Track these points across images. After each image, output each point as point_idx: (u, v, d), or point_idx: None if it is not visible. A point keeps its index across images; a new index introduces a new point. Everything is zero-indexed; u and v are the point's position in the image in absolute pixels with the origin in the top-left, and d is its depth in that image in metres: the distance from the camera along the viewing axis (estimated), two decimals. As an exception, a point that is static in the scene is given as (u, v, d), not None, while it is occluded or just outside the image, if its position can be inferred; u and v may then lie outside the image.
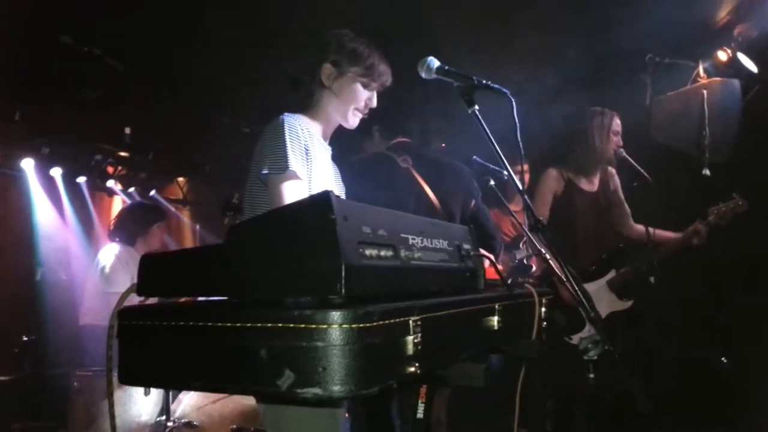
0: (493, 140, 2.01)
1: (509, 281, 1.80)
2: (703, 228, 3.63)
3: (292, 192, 1.99)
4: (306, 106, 2.33)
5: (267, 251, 1.12)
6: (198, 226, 7.42)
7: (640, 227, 3.91)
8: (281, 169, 2.00)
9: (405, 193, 2.92)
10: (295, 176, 2.01)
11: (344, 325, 0.98)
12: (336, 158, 2.44)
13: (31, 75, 4.72)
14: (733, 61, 4.39)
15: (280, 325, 1.01)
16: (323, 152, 2.29)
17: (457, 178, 3.13)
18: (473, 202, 3.17)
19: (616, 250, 3.81)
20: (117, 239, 4.37)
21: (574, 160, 3.88)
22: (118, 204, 6.42)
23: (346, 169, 2.52)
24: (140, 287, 1.30)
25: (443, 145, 6.38)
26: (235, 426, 3.42)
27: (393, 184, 2.94)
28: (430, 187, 2.98)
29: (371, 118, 3.26)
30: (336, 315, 0.98)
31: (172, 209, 6.90)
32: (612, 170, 3.97)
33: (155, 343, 1.17)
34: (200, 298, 1.30)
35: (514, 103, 1.98)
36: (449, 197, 3.01)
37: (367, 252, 1.15)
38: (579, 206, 3.81)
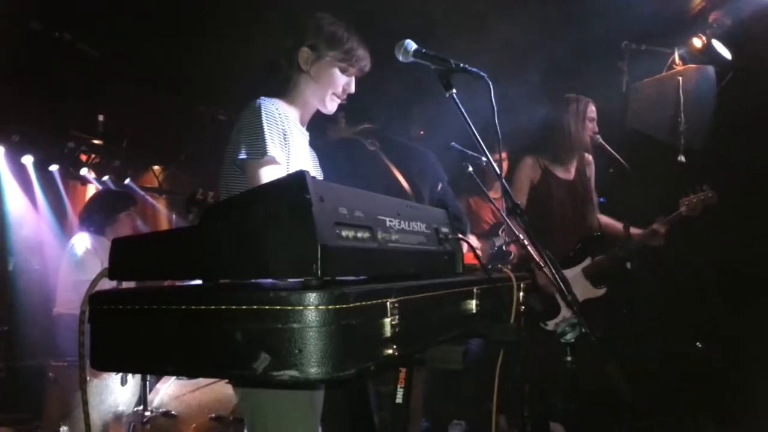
0: (471, 125, 2.00)
1: (488, 267, 1.80)
2: (661, 229, 3.69)
3: (270, 177, 1.96)
4: (283, 90, 2.30)
5: (241, 233, 1.10)
6: (174, 215, 7.34)
7: (605, 219, 3.96)
8: (259, 154, 1.98)
9: (374, 177, 2.92)
10: (273, 161, 1.99)
11: (320, 307, 0.97)
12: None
13: (1, 61, 4.61)
14: (708, 48, 4.44)
15: (255, 307, 1.00)
16: (301, 137, 2.26)
17: (424, 161, 3.13)
18: (440, 185, 3.17)
19: (591, 238, 3.84)
20: (87, 229, 4.31)
21: (551, 147, 3.89)
22: (92, 192, 6.31)
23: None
24: (112, 271, 1.27)
25: (422, 132, 6.38)
26: (213, 415, 3.39)
27: (361, 168, 2.94)
28: (399, 171, 2.98)
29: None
30: (312, 296, 0.97)
31: (148, 198, 6.81)
32: (589, 157, 3.99)
33: (128, 328, 1.15)
34: (174, 282, 1.28)
35: (491, 87, 1.97)
36: (418, 180, 3.02)
37: (344, 233, 1.13)
38: (556, 194, 3.83)
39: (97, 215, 4.35)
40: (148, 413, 3.38)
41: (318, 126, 2.92)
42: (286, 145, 2.09)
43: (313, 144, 2.42)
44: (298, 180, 1.07)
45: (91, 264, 4.06)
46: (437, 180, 3.15)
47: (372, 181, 2.87)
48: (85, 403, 1.33)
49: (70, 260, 4.12)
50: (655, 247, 3.76)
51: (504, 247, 4.51)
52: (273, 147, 1.99)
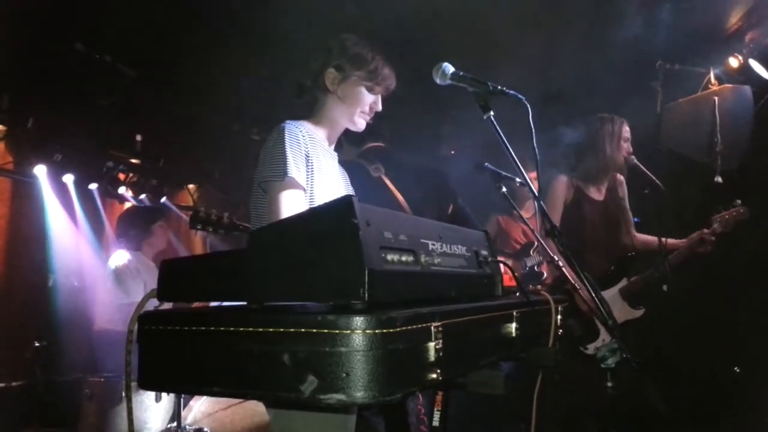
0: (508, 147, 2.01)
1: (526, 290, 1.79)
2: (708, 236, 3.62)
3: (289, 199, 1.99)
4: (310, 111, 2.33)
5: (289, 256, 1.12)
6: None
7: (643, 236, 3.90)
8: (280, 176, 2.00)
9: (376, 202, 2.90)
10: (294, 183, 2.01)
11: (368, 331, 0.98)
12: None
13: (44, 82, 4.76)
14: (745, 67, 4.38)
15: (303, 330, 1.01)
16: (328, 158, 2.28)
17: (431, 183, 3.09)
18: (450, 207, 3.13)
19: (626, 258, 3.79)
20: (124, 246, 4.40)
21: (585, 168, 3.85)
22: (128, 210, 6.44)
23: None
24: (160, 292, 1.30)
25: (452, 152, 6.40)
26: (246, 432, 3.42)
27: (363, 194, 2.93)
28: (403, 195, 2.96)
29: None
30: (359, 320, 0.98)
31: (183, 215, 6.91)
32: (621, 178, 3.92)
33: (176, 348, 1.17)
34: (221, 303, 1.30)
35: (530, 109, 1.98)
36: (423, 204, 2.99)
37: (389, 257, 1.14)
38: (588, 215, 3.78)
39: (131, 231, 4.44)
40: (181, 430, 3.42)
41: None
42: (309, 167, 2.10)
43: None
44: (345, 204, 1.09)
45: (130, 280, 4.14)
46: (447, 202, 3.10)
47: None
48: (131, 422, 1.35)
49: (110, 277, 4.19)
50: (689, 269, 3.69)
51: (536, 268, 4.47)
52: (295, 169, 2.02)
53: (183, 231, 7.02)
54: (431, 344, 1.12)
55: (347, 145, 3.27)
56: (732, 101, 4.35)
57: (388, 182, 2.97)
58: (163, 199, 6.57)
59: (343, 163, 3.18)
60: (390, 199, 2.93)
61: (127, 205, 6.27)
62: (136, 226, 4.48)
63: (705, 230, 3.65)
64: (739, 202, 3.68)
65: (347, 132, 3.26)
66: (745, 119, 4.33)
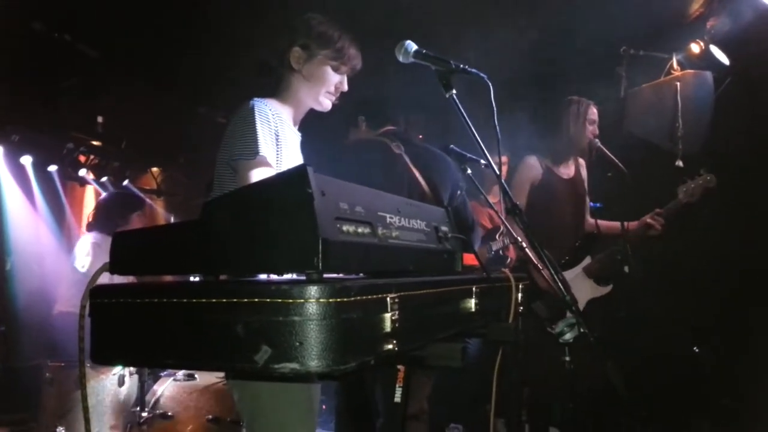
0: (471, 126, 2.00)
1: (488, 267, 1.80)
2: (655, 221, 3.69)
3: (260, 178, 1.97)
4: (276, 90, 2.31)
5: (243, 226, 1.10)
6: (172, 217, 7.33)
7: (604, 222, 3.95)
8: (252, 154, 1.99)
9: (398, 178, 2.90)
10: (265, 162, 2.00)
11: (321, 300, 0.98)
12: (320, 143, 2.42)
13: (1, 60, 4.62)
14: (706, 53, 4.46)
15: (256, 300, 1.00)
16: (293, 137, 2.27)
17: (445, 168, 3.11)
18: (458, 193, 3.16)
19: (590, 236, 3.85)
20: (96, 229, 4.31)
21: (550, 148, 3.90)
22: (90, 194, 6.31)
23: (340, 153, 2.46)
24: (113, 265, 1.27)
25: (420, 137, 6.39)
26: (210, 416, 3.39)
27: (387, 169, 2.92)
28: (421, 175, 2.97)
29: (356, 108, 3.23)
30: (313, 289, 0.97)
31: (147, 199, 6.80)
32: (582, 162, 3.99)
33: (129, 321, 1.15)
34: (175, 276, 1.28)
35: (491, 88, 1.98)
36: (438, 186, 3.00)
37: (345, 228, 1.13)
38: (558, 192, 3.83)
39: (108, 216, 4.33)
40: (145, 414, 3.39)
41: (335, 128, 2.91)
42: (278, 146, 2.10)
43: (313, 145, 2.43)
44: (300, 174, 1.07)
45: (98, 264, 4.05)
46: (456, 188, 3.13)
47: (396, 184, 2.85)
48: (85, 398, 1.33)
49: (77, 260, 4.10)
50: (652, 249, 3.76)
51: (501, 252, 4.51)
52: (265, 147, 2.01)
53: (147, 215, 6.91)
54: (387, 315, 1.12)
55: (365, 128, 3.25)
56: (693, 87, 4.42)
57: (408, 160, 2.97)
58: (126, 182, 6.45)
59: (367, 140, 3.16)
60: (410, 176, 2.93)
61: (89, 187, 6.14)
62: (113, 212, 4.38)
63: (649, 216, 3.71)
64: (704, 170, 3.73)
65: (365, 114, 3.23)
66: (706, 104, 4.40)
